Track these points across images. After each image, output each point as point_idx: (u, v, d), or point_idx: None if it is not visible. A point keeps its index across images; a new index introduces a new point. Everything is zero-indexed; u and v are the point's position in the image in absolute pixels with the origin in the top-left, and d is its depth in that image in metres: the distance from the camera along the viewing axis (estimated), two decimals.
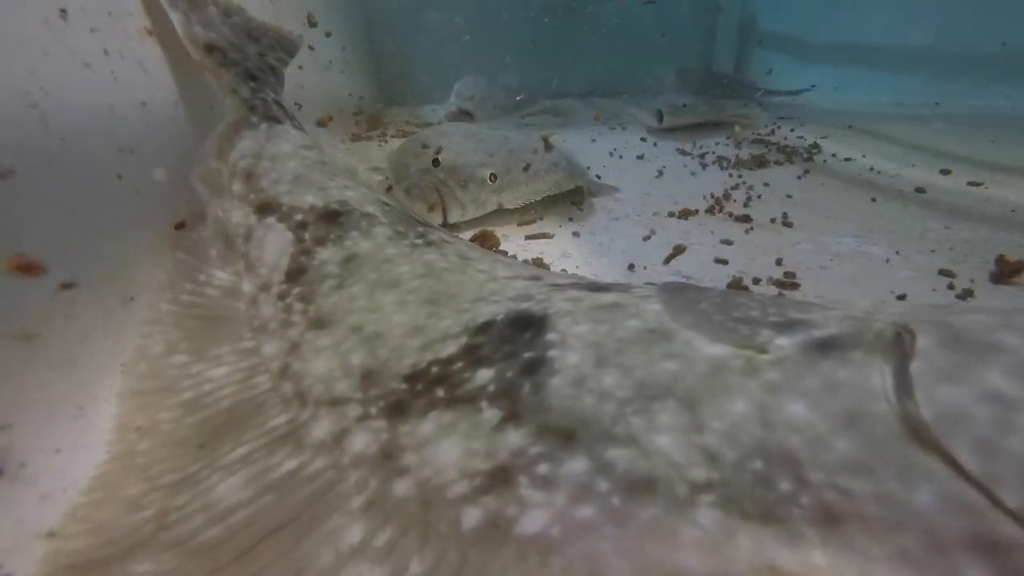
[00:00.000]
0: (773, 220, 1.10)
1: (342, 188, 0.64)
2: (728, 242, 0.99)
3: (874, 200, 1.23)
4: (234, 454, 0.42)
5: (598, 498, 0.32)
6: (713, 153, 1.75)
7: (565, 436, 0.35)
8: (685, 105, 2.09)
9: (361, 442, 0.40)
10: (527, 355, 0.40)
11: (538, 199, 1.10)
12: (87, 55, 0.58)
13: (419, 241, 0.58)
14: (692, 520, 0.30)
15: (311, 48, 1.53)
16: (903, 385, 0.30)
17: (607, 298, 0.45)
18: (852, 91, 2.55)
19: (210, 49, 0.73)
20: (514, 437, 0.36)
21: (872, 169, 1.51)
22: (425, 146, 1.17)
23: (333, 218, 0.59)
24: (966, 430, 0.27)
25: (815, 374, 0.32)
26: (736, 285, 0.82)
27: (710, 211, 1.16)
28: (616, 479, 0.32)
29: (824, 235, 1.03)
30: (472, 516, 0.34)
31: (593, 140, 2.02)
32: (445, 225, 1.03)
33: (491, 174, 1.09)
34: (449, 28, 2.72)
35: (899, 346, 0.32)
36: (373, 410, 0.41)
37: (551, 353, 0.40)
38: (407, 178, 1.09)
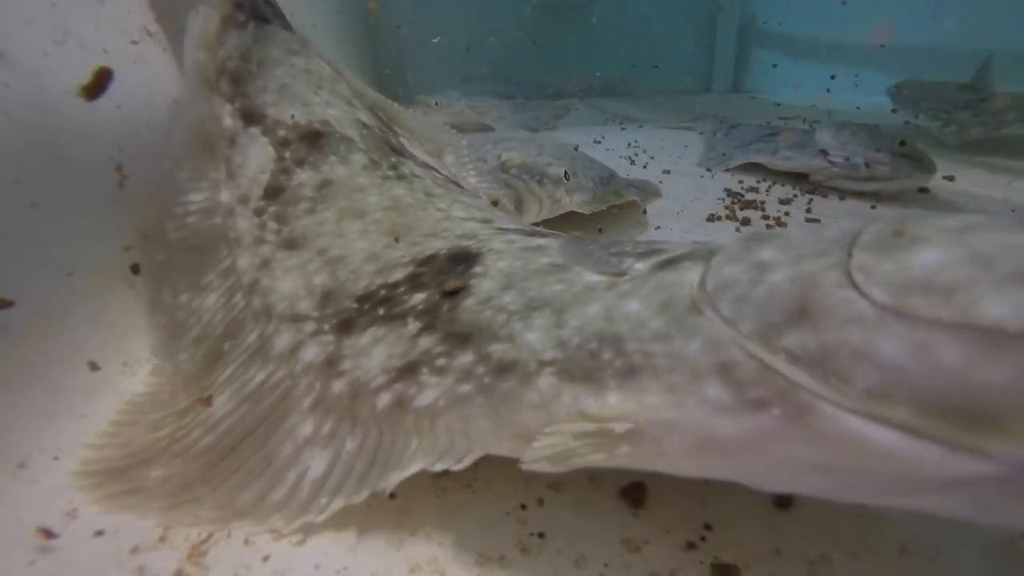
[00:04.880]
0: (770, 220, 1.10)
1: (325, 105, 0.64)
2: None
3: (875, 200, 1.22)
4: (224, 374, 0.49)
5: (475, 378, 0.40)
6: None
7: (463, 339, 0.42)
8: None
9: (311, 353, 0.47)
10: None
11: (604, 207, 1.04)
12: None
13: (391, 173, 0.62)
14: (535, 387, 0.38)
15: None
16: (706, 273, 0.37)
17: (536, 242, 0.50)
18: (852, 90, 2.54)
19: None
20: (426, 342, 0.43)
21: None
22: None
23: (314, 139, 0.60)
24: (731, 290, 0.34)
25: (653, 281, 0.39)
26: None
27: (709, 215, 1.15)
28: (491, 365, 0.40)
29: None
30: (384, 399, 0.42)
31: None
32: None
33: (565, 171, 1.02)
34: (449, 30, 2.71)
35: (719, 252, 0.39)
36: (326, 326, 0.48)
37: (472, 282, 0.46)
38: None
